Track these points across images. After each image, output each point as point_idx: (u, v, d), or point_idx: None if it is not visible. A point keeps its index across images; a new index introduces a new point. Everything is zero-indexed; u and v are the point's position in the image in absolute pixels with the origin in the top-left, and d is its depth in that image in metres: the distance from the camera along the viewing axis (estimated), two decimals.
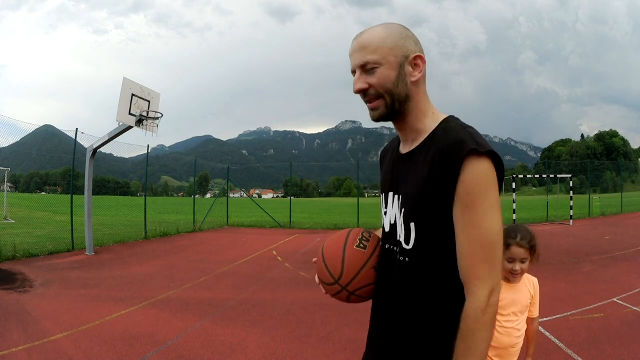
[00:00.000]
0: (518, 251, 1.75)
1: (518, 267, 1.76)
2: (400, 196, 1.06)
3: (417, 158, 1.03)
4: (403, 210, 1.03)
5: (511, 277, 1.78)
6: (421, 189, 0.98)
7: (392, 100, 1.02)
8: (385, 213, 1.13)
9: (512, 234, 1.77)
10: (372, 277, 1.12)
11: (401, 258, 1.03)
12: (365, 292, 1.14)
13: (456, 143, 0.93)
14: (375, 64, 1.00)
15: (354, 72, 1.04)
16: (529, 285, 1.86)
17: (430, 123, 1.04)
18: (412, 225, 1.00)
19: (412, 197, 1.01)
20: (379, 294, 1.13)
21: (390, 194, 1.11)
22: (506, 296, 1.81)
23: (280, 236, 12.09)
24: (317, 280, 1.22)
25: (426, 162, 0.98)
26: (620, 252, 7.89)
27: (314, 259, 1.24)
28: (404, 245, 1.02)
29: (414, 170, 1.02)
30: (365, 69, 1.01)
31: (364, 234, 1.18)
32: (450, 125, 1.01)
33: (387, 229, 1.11)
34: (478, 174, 0.92)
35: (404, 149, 1.10)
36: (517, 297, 1.81)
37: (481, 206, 0.91)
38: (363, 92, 1.03)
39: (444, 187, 0.94)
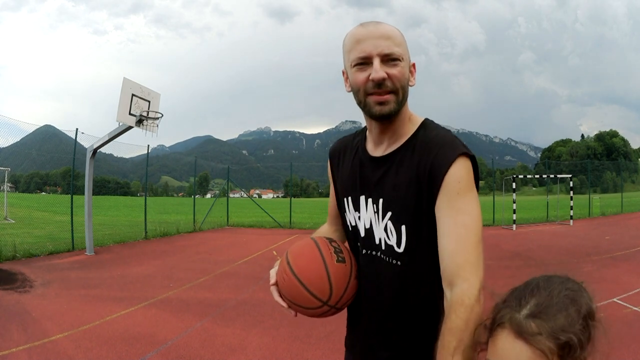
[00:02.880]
0: (510, 351, 0.67)
1: None
2: (381, 200, 1.03)
3: (400, 161, 1.02)
4: (389, 213, 1.02)
5: None
6: (411, 192, 0.98)
7: (402, 97, 1.00)
8: (359, 217, 1.10)
9: (516, 297, 0.73)
10: (355, 287, 1.11)
11: (393, 261, 1.02)
12: (348, 303, 1.14)
13: (448, 146, 0.96)
14: (400, 57, 0.98)
15: (366, 59, 0.97)
16: None
17: (410, 127, 1.06)
18: (403, 227, 0.99)
19: (401, 200, 1.00)
20: (368, 301, 1.11)
21: (362, 198, 1.08)
22: None
23: (280, 236, 12.09)
24: (285, 304, 1.11)
25: (413, 165, 0.99)
26: (620, 252, 7.88)
27: (272, 282, 1.14)
28: (396, 249, 1.01)
29: (397, 173, 1.02)
30: (389, 58, 0.97)
31: (333, 244, 1.13)
32: (435, 127, 1.04)
33: (362, 234, 1.09)
34: (466, 169, 0.94)
35: (377, 151, 1.08)
36: None
37: (469, 195, 0.92)
38: (378, 83, 0.97)
39: (433, 184, 0.94)
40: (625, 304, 4.38)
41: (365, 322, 1.12)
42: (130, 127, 8.30)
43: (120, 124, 8.25)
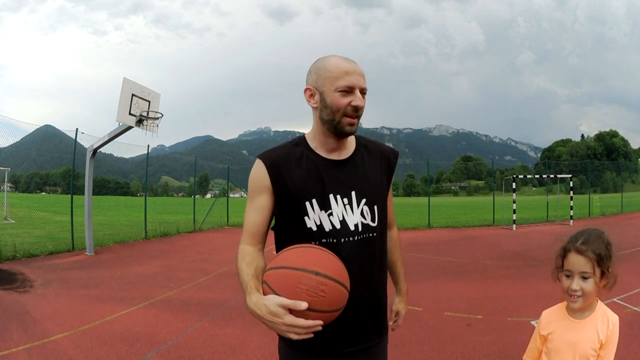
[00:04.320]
0: (575, 260, 1.32)
1: (576, 284, 1.30)
2: (353, 192, 1.30)
3: (358, 162, 1.35)
4: (364, 200, 1.31)
5: (569, 300, 1.34)
6: (379, 181, 1.37)
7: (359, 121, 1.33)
8: (331, 213, 1.27)
9: (573, 237, 1.37)
10: None
11: (370, 235, 1.32)
12: None
13: (391, 150, 1.46)
14: (366, 93, 1.29)
15: (350, 88, 1.24)
16: (600, 324, 1.33)
17: (350, 138, 1.38)
18: (375, 207, 1.33)
19: (372, 188, 1.34)
20: (352, 275, 1.19)
21: (331, 196, 1.28)
22: (561, 335, 1.37)
23: None
24: (320, 320, 1.03)
25: (375, 164, 1.39)
26: (620, 252, 7.84)
27: (304, 306, 1.01)
28: (371, 224, 1.32)
29: (362, 170, 1.35)
30: (363, 92, 1.27)
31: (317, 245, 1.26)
32: (368, 138, 1.45)
33: (338, 226, 1.27)
34: None
35: (333, 156, 1.33)
36: (578, 339, 1.33)
37: None
38: (356, 109, 1.26)
39: (389, 176, 1.43)
40: (625, 304, 4.38)
41: (349, 304, 1.16)
42: (130, 127, 8.30)
43: (120, 124, 8.25)
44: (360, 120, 1.32)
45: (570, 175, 15.94)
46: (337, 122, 1.25)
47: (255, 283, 1.13)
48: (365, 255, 1.30)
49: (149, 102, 8.62)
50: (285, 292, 1.04)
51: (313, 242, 1.23)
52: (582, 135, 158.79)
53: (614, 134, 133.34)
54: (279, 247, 1.32)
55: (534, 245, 9.72)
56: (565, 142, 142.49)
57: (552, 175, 17.55)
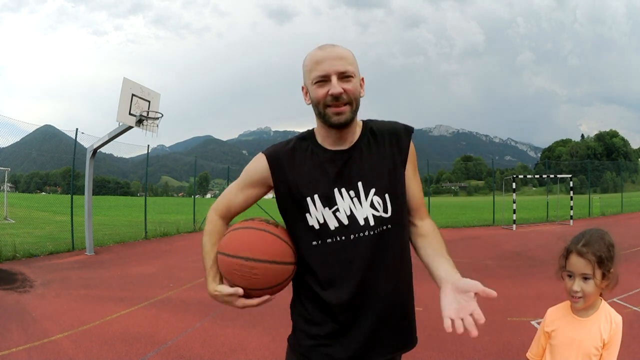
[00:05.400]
0: (576, 262, 1.34)
1: (577, 286, 1.32)
2: (359, 182, 1.19)
3: (364, 148, 1.22)
4: (373, 190, 1.19)
5: (571, 300, 1.38)
6: (389, 166, 1.22)
7: (355, 107, 1.18)
8: (337, 209, 1.18)
9: (575, 239, 1.38)
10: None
11: (384, 227, 1.19)
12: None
13: (403, 127, 1.28)
14: (352, 74, 1.15)
15: (325, 77, 1.14)
16: (604, 323, 1.37)
17: (357, 127, 1.25)
18: (387, 196, 1.20)
19: (381, 175, 1.20)
20: (368, 273, 1.18)
21: (336, 191, 1.18)
22: (565, 332, 1.40)
23: None
24: (264, 297, 1.17)
25: (384, 146, 1.23)
26: (620, 252, 7.87)
27: (241, 292, 1.15)
28: (384, 215, 1.19)
29: (369, 157, 1.21)
30: (344, 75, 1.14)
31: (255, 219, 1.24)
32: (378, 120, 1.30)
33: (345, 221, 1.18)
34: (411, 140, 1.30)
35: (337, 147, 1.22)
36: (581, 337, 1.36)
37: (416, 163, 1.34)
38: (336, 97, 1.13)
39: (402, 157, 1.25)
40: (625, 304, 4.38)
41: (368, 308, 1.18)
42: (130, 127, 8.30)
43: (120, 124, 8.24)
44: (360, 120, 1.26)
45: (570, 175, 15.95)
46: (323, 114, 1.16)
47: (214, 270, 1.23)
48: (381, 250, 1.18)
49: (149, 102, 8.62)
50: (227, 276, 1.17)
51: (316, 242, 1.18)
52: (582, 135, 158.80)
53: (614, 134, 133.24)
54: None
55: (534, 245, 9.71)
56: (565, 142, 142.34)
57: (552, 175, 17.56)
